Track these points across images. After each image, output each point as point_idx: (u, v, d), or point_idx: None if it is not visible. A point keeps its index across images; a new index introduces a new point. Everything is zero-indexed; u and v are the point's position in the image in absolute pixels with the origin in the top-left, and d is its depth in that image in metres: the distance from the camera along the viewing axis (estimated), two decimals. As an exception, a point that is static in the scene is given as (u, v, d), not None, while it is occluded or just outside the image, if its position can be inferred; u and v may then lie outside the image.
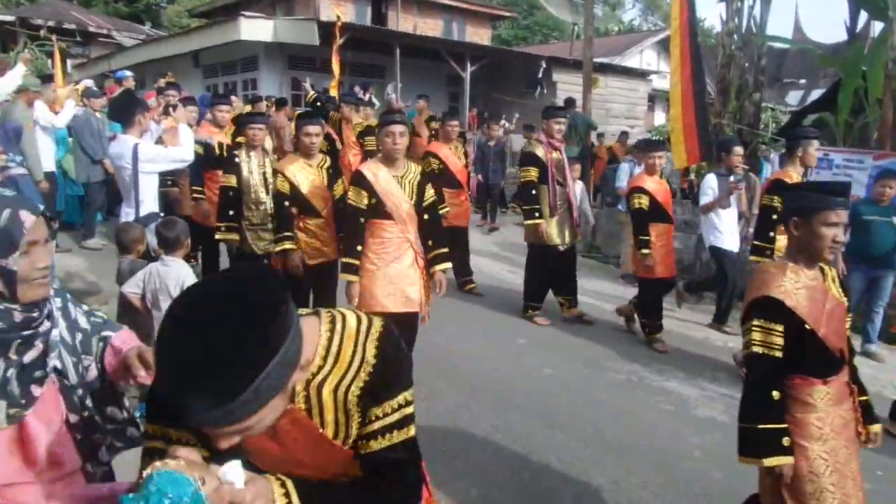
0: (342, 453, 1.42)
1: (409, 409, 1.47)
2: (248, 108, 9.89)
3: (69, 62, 21.44)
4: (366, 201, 4.17)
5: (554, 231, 6.14)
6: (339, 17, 12.36)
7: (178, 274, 3.68)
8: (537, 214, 6.07)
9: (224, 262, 6.48)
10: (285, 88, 14.65)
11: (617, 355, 5.55)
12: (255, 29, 14.04)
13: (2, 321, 1.54)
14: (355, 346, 1.39)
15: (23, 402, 1.58)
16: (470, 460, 3.82)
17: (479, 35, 23.20)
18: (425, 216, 4.35)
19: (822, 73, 16.42)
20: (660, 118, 22.36)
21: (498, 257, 9.03)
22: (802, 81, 25.54)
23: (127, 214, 4.74)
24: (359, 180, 4.22)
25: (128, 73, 11.11)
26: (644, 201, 5.79)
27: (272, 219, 4.91)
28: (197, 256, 6.95)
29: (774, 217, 5.08)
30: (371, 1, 20.46)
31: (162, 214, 4.73)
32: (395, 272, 4.22)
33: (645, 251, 5.75)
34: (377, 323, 1.44)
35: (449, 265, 4.49)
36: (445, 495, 3.47)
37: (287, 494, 1.25)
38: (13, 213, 1.52)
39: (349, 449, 1.42)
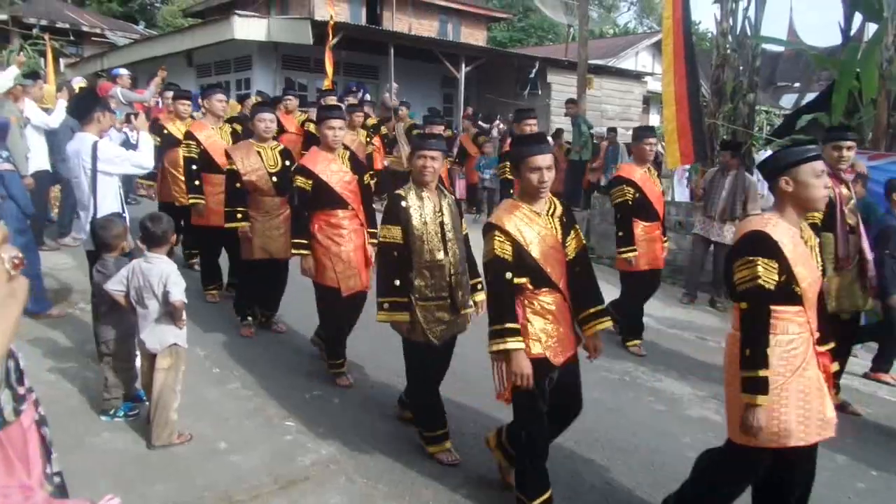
0: None
1: None
2: (238, 108, 9.79)
3: (62, 61, 21.37)
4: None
5: None
6: (332, 16, 12.33)
7: (161, 271, 3.61)
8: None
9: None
10: (279, 88, 14.56)
11: (609, 354, 5.49)
12: (249, 28, 13.96)
13: None
14: None
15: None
16: (461, 457, 3.77)
17: (475, 36, 23.17)
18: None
19: (816, 76, 16.41)
20: (655, 120, 22.34)
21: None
22: (796, 85, 25.52)
23: (82, 218, 4.55)
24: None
25: (123, 70, 10.99)
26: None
27: (453, 288, 3.67)
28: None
29: None
30: (366, 1, 20.41)
31: (124, 214, 4.56)
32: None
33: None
34: None
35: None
36: (434, 493, 3.42)
37: None
38: None
39: None
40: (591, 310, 3.21)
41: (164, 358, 3.64)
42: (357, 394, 4.58)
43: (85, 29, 24.47)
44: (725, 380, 2.80)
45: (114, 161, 4.51)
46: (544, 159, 3.04)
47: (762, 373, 2.55)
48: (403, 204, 3.61)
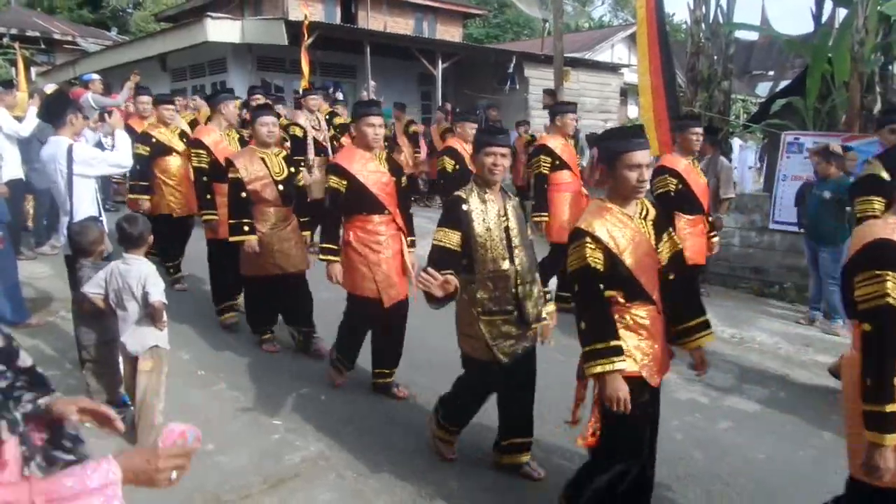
0: None
1: None
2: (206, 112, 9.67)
3: (33, 70, 21.04)
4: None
5: None
6: (306, 15, 12.24)
7: (139, 272, 3.57)
8: None
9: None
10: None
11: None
12: (223, 30, 13.82)
13: None
14: None
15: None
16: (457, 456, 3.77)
17: (451, 34, 23.15)
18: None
19: (789, 63, 16.58)
20: (633, 111, 22.48)
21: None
22: (771, 73, 25.85)
23: (62, 223, 4.47)
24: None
25: (94, 75, 10.87)
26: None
27: (520, 300, 3.30)
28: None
29: None
30: (340, 0, 20.31)
31: (101, 218, 4.47)
32: None
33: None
34: None
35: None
36: (426, 486, 3.41)
37: None
38: None
39: None
40: (692, 322, 2.83)
41: (145, 360, 3.59)
42: (344, 391, 4.55)
43: (56, 37, 24.14)
44: (845, 406, 2.42)
45: (90, 163, 4.45)
46: (644, 155, 2.66)
47: (889, 408, 2.14)
48: (465, 207, 3.22)
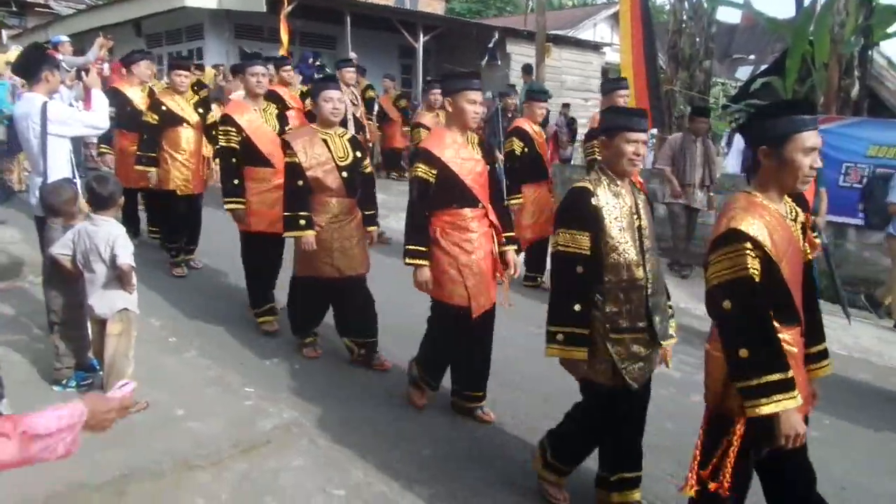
0: None
1: None
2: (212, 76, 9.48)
3: (4, 33, 20.44)
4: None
5: None
6: (286, -18, 12.01)
7: (107, 233, 3.49)
8: None
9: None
10: (232, 57, 14.16)
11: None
12: (200, -5, 13.53)
13: None
14: None
15: None
16: (423, 419, 3.79)
17: (433, 7, 22.89)
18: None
19: (770, 48, 16.69)
20: (613, 91, 22.43)
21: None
22: (751, 57, 26.01)
23: (35, 183, 4.26)
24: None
25: (63, 37, 10.56)
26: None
27: (651, 314, 2.82)
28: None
29: None
30: (321, -30, 19.93)
31: (75, 180, 4.27)
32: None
33: None
34: None
35: None
36: (400, 454, 3.41)
37: None
38: None
39: None
40: (815, 348, 2.45)
41: (114, 323, 3.53)
42: (318, 360, 4.52)
43: (28, -1, 23.45)
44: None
45: (66, 122, 4.22)
46: (817, 137, 2.23)
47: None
48: (594, 202, 2.70)
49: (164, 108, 6.14)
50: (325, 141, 4.21)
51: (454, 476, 3.27)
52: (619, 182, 2.75)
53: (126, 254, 3.48)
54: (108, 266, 3.50)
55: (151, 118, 6.16)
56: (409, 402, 3.93)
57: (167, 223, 6.55)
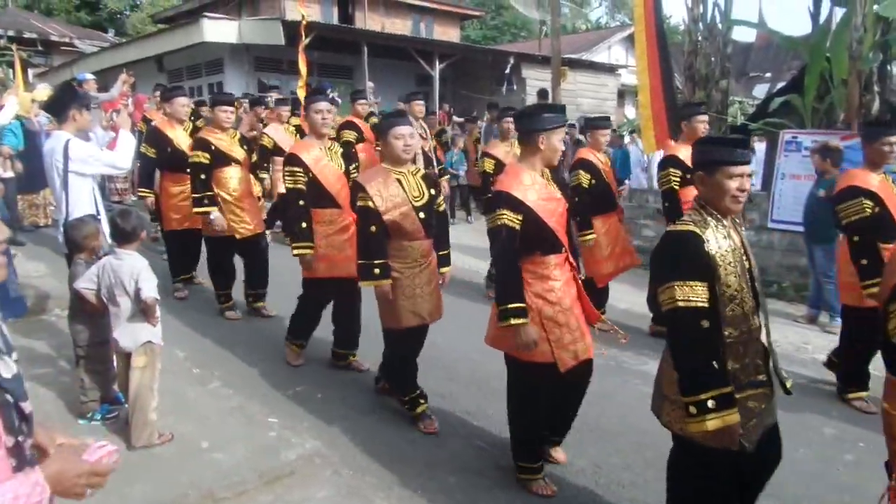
0: None
1: None
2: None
3: (30, 71, 21.01)
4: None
5: None
6: (304, 16, 12.21)
7: (131, 267, 3.52)
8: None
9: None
10: (252, 90, 14.41)
11: (594, 340, 5.45)
12: (220, 30, 13.82)
13: None
14: None
15: None
16: (447, 446, 3.74)
17: (448, 35, 23.15)
18: None
19: (787, 65, 16.60)
20: (630, 112, 22.46)
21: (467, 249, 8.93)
22: (768, 75, 25.89)
23: (59, 219, 4.33)
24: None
25: (88, 75, 10.82)
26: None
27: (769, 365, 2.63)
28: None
29: None
30: (337, 1, 20.30)
31: (99, 216, 4.33)
32: None
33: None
34: None
35: None
36: (423, 482, 3.37)
37: None
38: None
39: None
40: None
41: (138, 357, 3.55)
42: (340, 388, 4.51)
43: (53, 38, 24.15)
44: None
45: (86, 161, 4.28)
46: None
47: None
48: (706, 247, 2.35)
49: (212, 147, 5.70)
50: (398, 181, 3.88)
51: (480, 506, 3.23)
52: (726, 222, 2.45)
53: (150, 287, 3.51)
54: (133, 300, 3.53)
55: (203, 157, 5.65)
56: (529, 491, 3.36)
57: (222, 270, 5.98)
